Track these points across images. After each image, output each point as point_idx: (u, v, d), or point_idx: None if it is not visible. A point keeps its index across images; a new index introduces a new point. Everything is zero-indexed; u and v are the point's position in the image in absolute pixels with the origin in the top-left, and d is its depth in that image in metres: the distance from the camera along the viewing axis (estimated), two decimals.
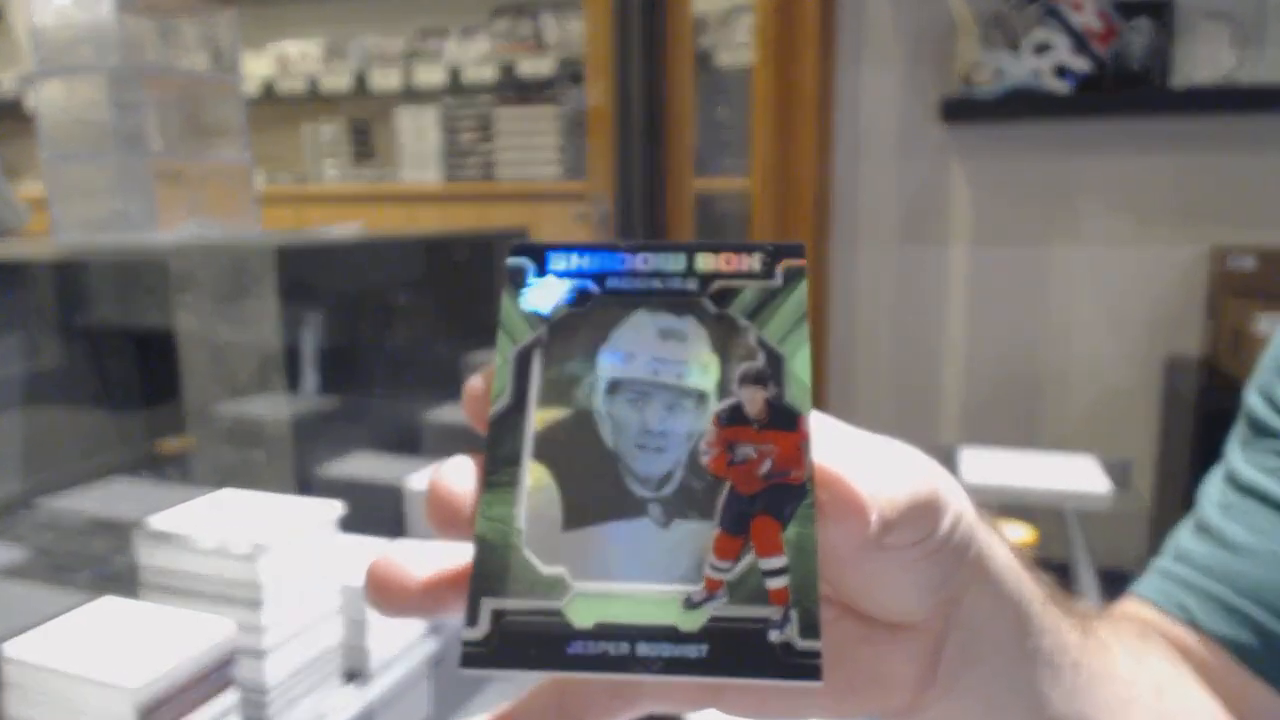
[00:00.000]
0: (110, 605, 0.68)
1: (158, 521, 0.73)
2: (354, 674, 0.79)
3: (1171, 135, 2.03)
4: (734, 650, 0.20)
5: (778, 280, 0.24)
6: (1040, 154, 2.13)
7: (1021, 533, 1.08)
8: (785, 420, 0.22)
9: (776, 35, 2.00)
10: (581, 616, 0.21)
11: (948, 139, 2.18)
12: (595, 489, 0.22)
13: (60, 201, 1.10)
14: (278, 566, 0.71)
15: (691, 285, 0.24)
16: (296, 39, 3.12)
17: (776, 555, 0.21)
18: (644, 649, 0.20)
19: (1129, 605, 0.49)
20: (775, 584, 0.21)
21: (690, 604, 0.21)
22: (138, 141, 1.09)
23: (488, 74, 2.85)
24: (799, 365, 0.23)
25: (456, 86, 2.91)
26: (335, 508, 0.78)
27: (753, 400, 0.23)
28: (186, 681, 0.63)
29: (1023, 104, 2.02)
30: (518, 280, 0.24)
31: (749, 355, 0.23)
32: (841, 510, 0.21)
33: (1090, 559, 1.08)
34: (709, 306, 0.24)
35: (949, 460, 1.46)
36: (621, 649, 0.20)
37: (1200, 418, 1.78)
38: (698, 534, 0.22)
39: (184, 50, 1.19)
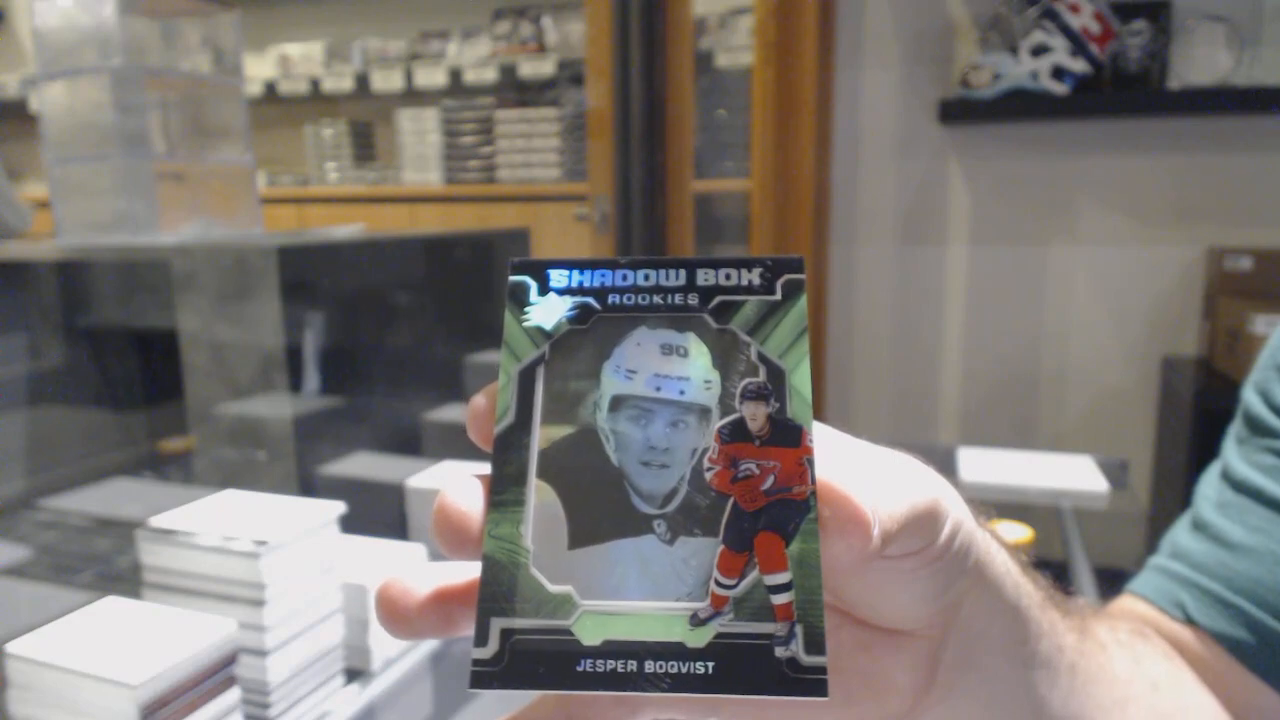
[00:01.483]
0: (113, 605, 0.69)
1: (160, 521, 0.74)
2: (356, 673, 0.80)
3: (1169, 136, 2.04)
4: (740, 666, 0.20)
5: (777, 294, 0.24)
6: (1038, 155, 2.14)
7: (1019, 532, 1.09)
8: (787, 435, 0.22)
9: (776, 37, 2.01)
10: (589, 634, 0.21)
11: (946, 140, 2.19)
12: (600, 507, 0.22)
13: (63, 202, 1.11)
14: (280, 565, 0.71)
15: (693, 300, 0.24)
16: (298, 40, 3.13)
17: (780, 571, 0.21)
18: (651, 666, 0.20)
19: (1126, 603, 0.49)
20: (780, 600, 0.21)
21: (696, 621, 0.21)
22: (140, 143, 1.09)
23: (489, 76, 2.86)
24: (800, 379, 0.23)
25: (457, 88, 2.91)
26: (337, 507, 0.78)
27: (754, 416, 0.23)
28: (189, 679, 0.63)
29: (1021, 105, 2.02)
30: (519, 298, 0.24)
31: (750, 370, 0.23)
32: (843, 525, 0.21)
33: (1087, 558, 1.09)
34: (710, 322, 0.24)
35: (947, 460, 1.47)
36: (629, 666, 0.21)
37: (1197, 417, 1.78)
38: (702, 550, 0.22)
39: (186, 52, 1.19)
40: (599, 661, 0.21)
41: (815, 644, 0.20)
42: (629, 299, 0.24)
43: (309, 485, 0.97)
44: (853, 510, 0.21)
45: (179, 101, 1.16)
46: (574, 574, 0.22)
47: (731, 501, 0.22)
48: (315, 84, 3.05)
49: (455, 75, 2.90)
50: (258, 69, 3.06)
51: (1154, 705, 0.38)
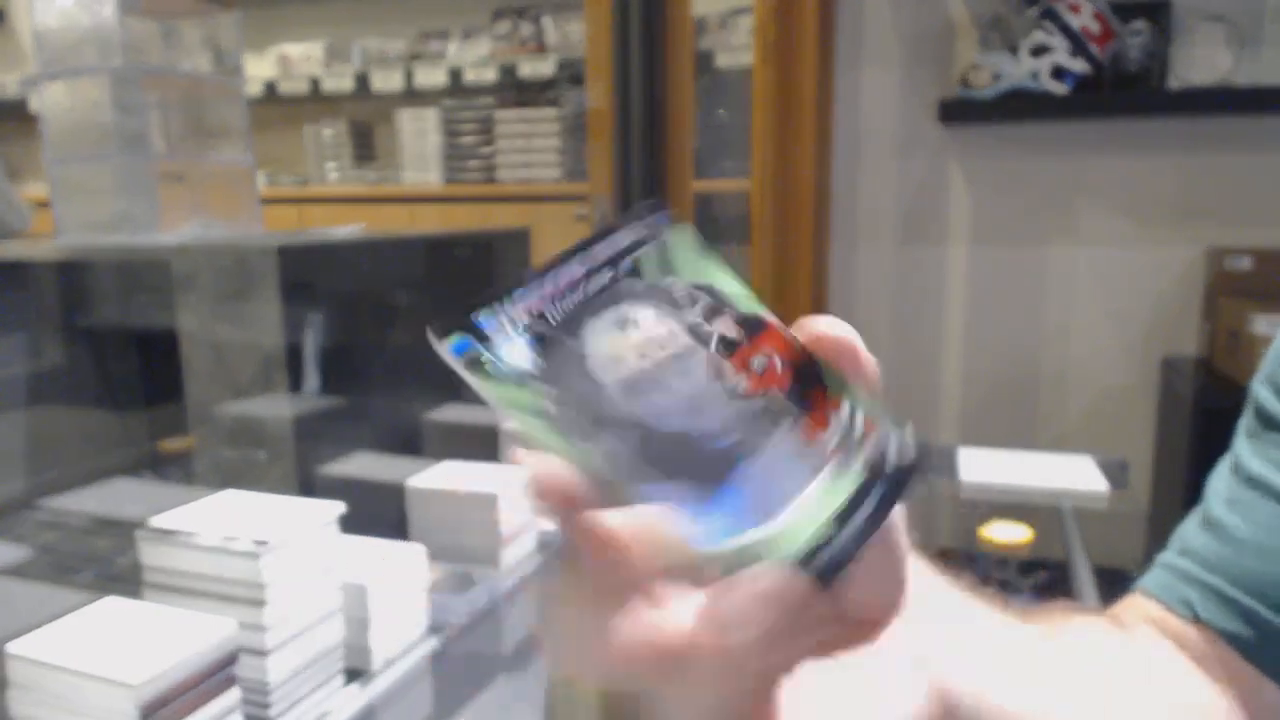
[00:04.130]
0: (113, 605, 0.69)
1: (160, 521, 0.74)
2: (356, 673, 0.80)
3: (1169, 136, 2.04)
4: (883, 476, 0.24)
5: (664, 236, 0.27)
6: (1038, 155, 2.14)
7: (1019, 532, 1.09)
8: (755, 325, 0.26)
9: (776, 37, 2.01)
10: (789, 547, 0.23)
11: (946, 140, 2.19)
12: (699, 468, 0.24)
13: (63, 202, 1.11)
14: (280, 565, 0.71)
15: (605, 278, 0.26)
16: (298, 40, 3.13)
17: (839, 408, 0.25)
18: (849, 522, 0.24)
19: (1135, 601, 0.49)
20: (859, 420, 0.25)
21: (838, 473, 0.24)
22: (140, 143, 1.09)
23: (489, 76, 2.86)
24: (727, 284, 0.26)
25: (457, 88, 2.91)
26: (336, 507, 0.78)
27: (726, 326, 0.26)
28: (189, 679, 0.63)
29: (1021, 105, 2.02)
30: (478, 368, 0.24)
31: (691, 299, 0.26)
32: (855, 363, 0.27)
33: (1087, 558, 1.09)
34: (634, 286, 0.26)
35: (948, 460, 1.47)
36: (838, 542, 0.24)
37: (1197, 417, 1.78)
38: (788, 434, 0.25)
39: (186, 52, 1.19)
40: (823, 552, 0.23)
41: (897, 422, 0.25)
42: (560, 307, 0.26)
43: (309, 485, 0.97)
44: (858, 354, 0.27)
45: (179, 102, 1.16)
46: (738, 519, 0.24)
47: (771, 391, 0.25)
48: (315, 84, 3.05)
49: (455, 75, 2.90)
50: (257, 69, 3.05)
51: (1146, 694, 0.38)
